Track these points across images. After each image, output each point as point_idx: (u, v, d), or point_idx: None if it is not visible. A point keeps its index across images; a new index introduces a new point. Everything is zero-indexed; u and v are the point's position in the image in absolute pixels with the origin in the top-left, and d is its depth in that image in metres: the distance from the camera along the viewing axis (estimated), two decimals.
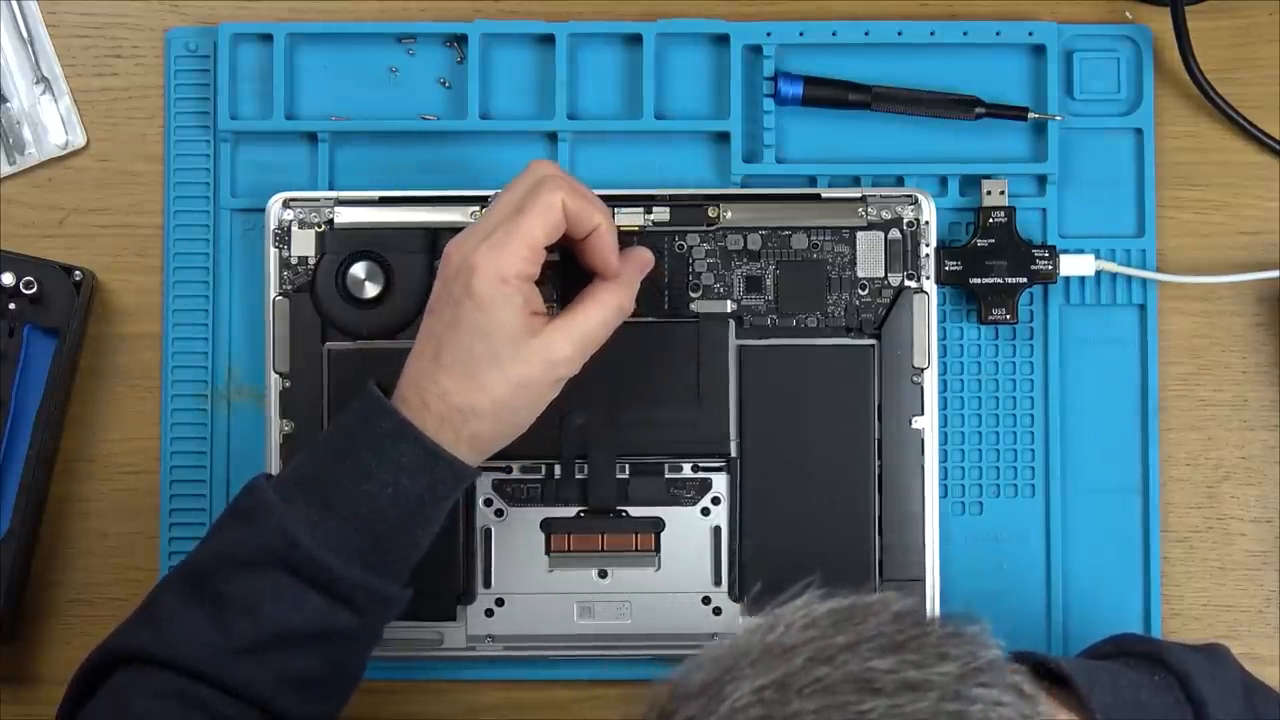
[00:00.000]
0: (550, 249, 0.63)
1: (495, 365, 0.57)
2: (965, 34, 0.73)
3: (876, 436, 0.69)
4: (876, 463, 0.69)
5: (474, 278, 0.57)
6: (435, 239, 0.68)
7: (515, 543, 0.70)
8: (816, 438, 0.69)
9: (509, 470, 0.69)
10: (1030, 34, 0.73)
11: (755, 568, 0.70)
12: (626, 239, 0.67)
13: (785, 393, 0.69)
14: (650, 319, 0.68)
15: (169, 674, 0.57)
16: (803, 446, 0.69)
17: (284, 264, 0.70)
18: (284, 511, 0.57)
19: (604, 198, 0.65)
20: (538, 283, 0.62)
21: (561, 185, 0.60)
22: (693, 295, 0.69)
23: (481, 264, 0.57)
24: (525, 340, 0.57)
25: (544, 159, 0.63)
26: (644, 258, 0.63)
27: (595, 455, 0.68)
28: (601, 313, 0.60)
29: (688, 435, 0.68)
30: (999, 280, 0.70)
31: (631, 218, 0.70)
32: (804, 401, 0.69)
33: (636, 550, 0.69)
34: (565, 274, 0.68)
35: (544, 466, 0.69)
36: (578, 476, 0.69)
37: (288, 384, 0.70)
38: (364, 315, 0.69)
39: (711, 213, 0.70)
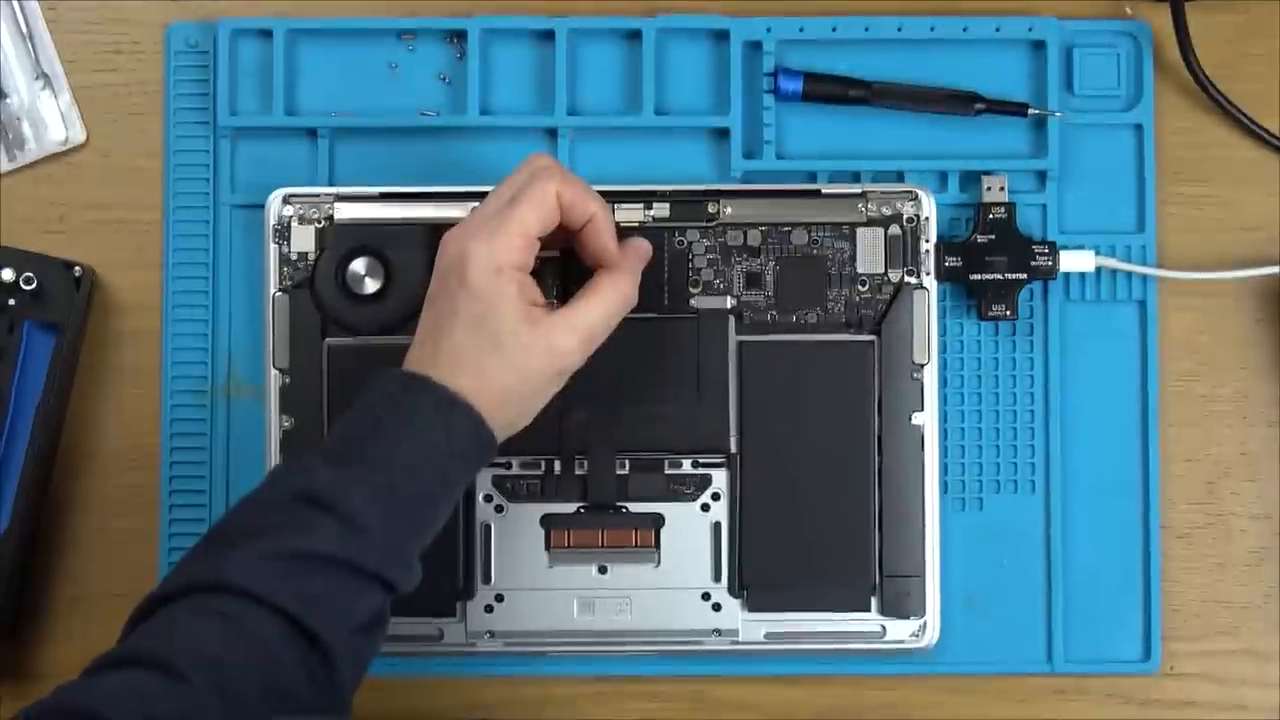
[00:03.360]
0: (550, 246, 0.69)
1: (497, 354, 0.64)
2: (965, 29, 0.80)
3: (876, 433, 0.76)
4: (876, 459, 0.76)
5: (468, 268, 0.64)
6: (435, 235, 0.72)
7: (515, 538, 0.77)
8: (816, 434, 0.76)
9: (509, 466, 0.76)
10: (1030, 29, 0.80)
11: (755, 564, 0.77)
12: (627, 235, 0.72)
13: (785, 389, 0.76)
14: (650, 315, 0.75)
15: (211, 595, 0.62)
16: (803, 443, 0.76)
17: (284, 260, 0.77)
18: (309, 464, 0.63)
19: (603, 193, 0.70)
20: (539, 281, 0.68)
21: (555, 175, 0.66)
22: (692, 291, 0.76)
23: (475, 254, 0.64)
24: (526, 330, 0.64)
25: (541, 152, 0.69)
26: (643, 247, 0.70)
27: (595, 451, 0.75)
28: (604, 303, 0.67)
29: (688, 431, 0.75)
30: (999, 276, 0.77)
31: (631, 213, 0.77)
32: (804, 398, 0.76)
33: (636, 546, 0.76)
34: (566, 273, 0.74)
35: (544, 462, 0.76)
36: (577, 472, 0.76)
37: (287, 380, 0.77)
38: (364, 311, 0.76)
39: (711, 208, 0.76)
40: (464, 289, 0.65)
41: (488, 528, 0.77)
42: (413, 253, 0.76)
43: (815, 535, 0.77)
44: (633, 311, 0.70)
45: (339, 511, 0.61)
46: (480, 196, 0.73)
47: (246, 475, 0.78)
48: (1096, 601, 0.79)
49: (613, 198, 0.74)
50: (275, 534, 0.61)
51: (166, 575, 0.64)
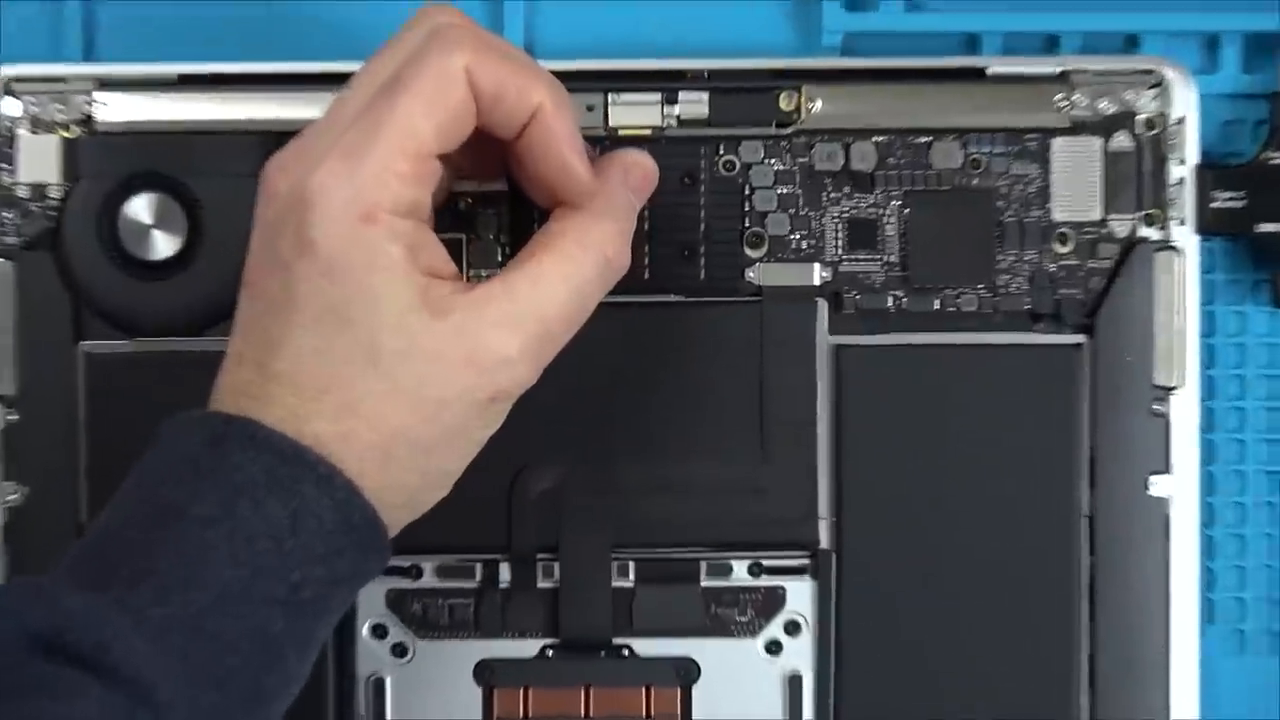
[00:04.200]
0: (478, 174, 0.44)
1: (373, 370, 0.39)
2: None
3: (1086, 509, 0.45)
4: (1085, 554, 0.45)
5: (311, 218, 0.38)
6: (274, 151, 0.42)
7: (430, 701, 0.46)
8: (975, 511, 0.45)
9: (416, 575, 0.46)
10: None
11: None
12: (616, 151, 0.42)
13: (919, 431, 0.45)
14: (671, 297, 0.46)
15: None
16: (950, 527, 0.45)
17: (7, 198, 0.46)
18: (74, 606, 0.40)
19: (585, 75, 0.45)
20: (456, 240, 0.44)
21: (466, 41, 0.40)
22: (750, 254, 0.45)
23: (323, 192, 0.39)
24: (424, 325, 0.39)
25: (443, 3, 0.41)
26: (641, 168, 0.42)
27: (574, 546, 0.45)
28: (565, 272, 0.40)
29: (742, 509, 0.45)
30: None
31: (638, 113, 0.45)
32: (953, 446, 0.45)
33: (649, 718, 0.45)
34: (515, 227, 0.46)
35: (479, 567, 0.45)
36: (542, 584, 0.45)
37: (14, 418, 0.45)
38: (151, 292, 0.45)
39: (786, 103, 0.45)
40: (307, 256, 0.37)
41: (380, 684, 0.45)
42: (235, 185, 0.44)
43: (974, 691, 0.45)
44: (636, 291, 0.45)
45: (107, 669, 0.36)
46: (346, 80, 0.41)
47: None
48: None
49: (605, 83, 0.45)
50: None
51: None
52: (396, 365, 0.38)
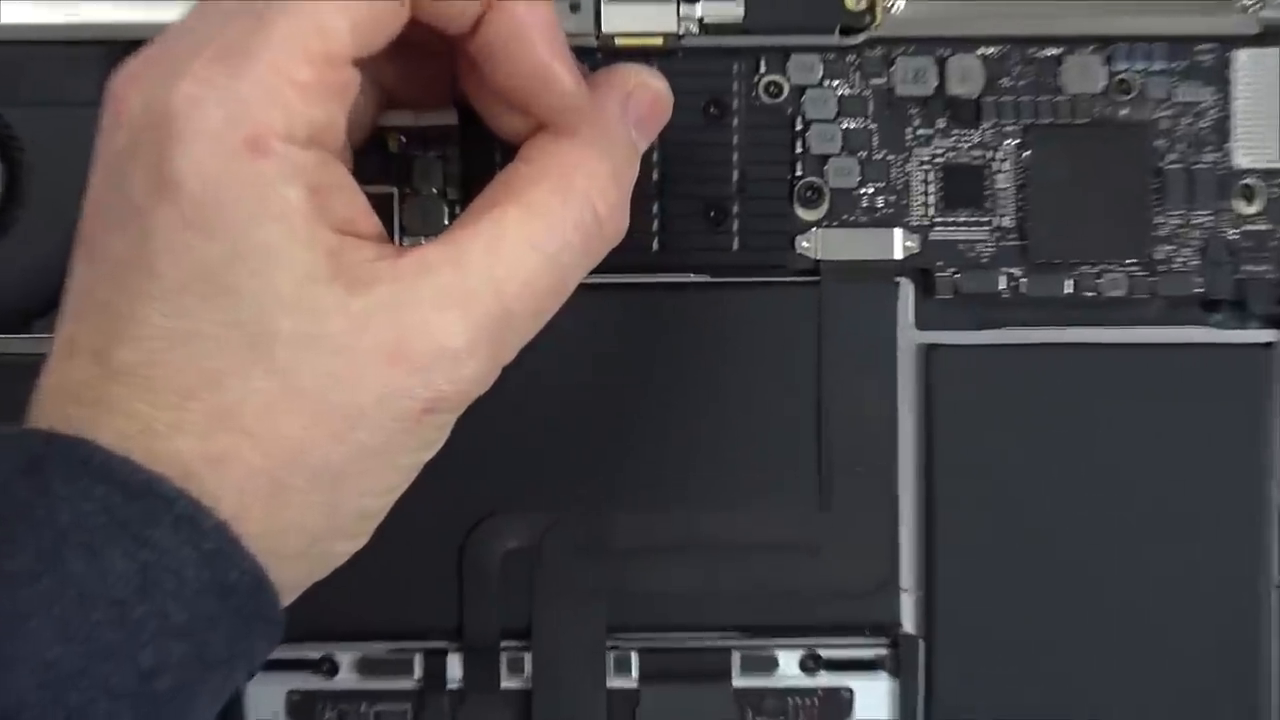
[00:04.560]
0: (422, 100, 0.33)
1: (257, 362, 0.29)
2: None
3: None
4: None
5: (174, 147, 0.29)
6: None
7: None
8: (1130, 580, 0.33)
9: (329, 670, 0.34)
10: None
11: None
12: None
13: (1044, 467, 0.33)
14: (690, 277, 0.35)
15: None
16: (1093, 603, 0.34)
17: None
18: None
19: None
20: (391, 191, 0.33)
21: None
22: (804, 215, 0.34)
23: (191, 109, 0.29)
24: (334, 299, 0.29)
25: None
26: (647, 92, 0.32)
27: (553, 629, 0.34)
28: (538, 228, 0.30)
29: (792, 578, 0.34)
30: None
31: (644, 14, 0.33)
32: (1095, 489, 0.33)
33: None
34: (469, 167, 0.35)
35: (418, 659, 0.34)
36: (507, 683, 0.34)
37: None
38: None
39: (853, 0, 0.33)
40: (168, 199, 0.28)
41: None
42: (73, 121, 0.33)
43: None
44: (641, 267, 0.34)
45: None
46: None
47: None
48: None
49: None
50: None
51: None
52: (293, 357, 0.28)
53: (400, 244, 0.34)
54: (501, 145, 0.31)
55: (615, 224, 0.30)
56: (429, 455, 0.30)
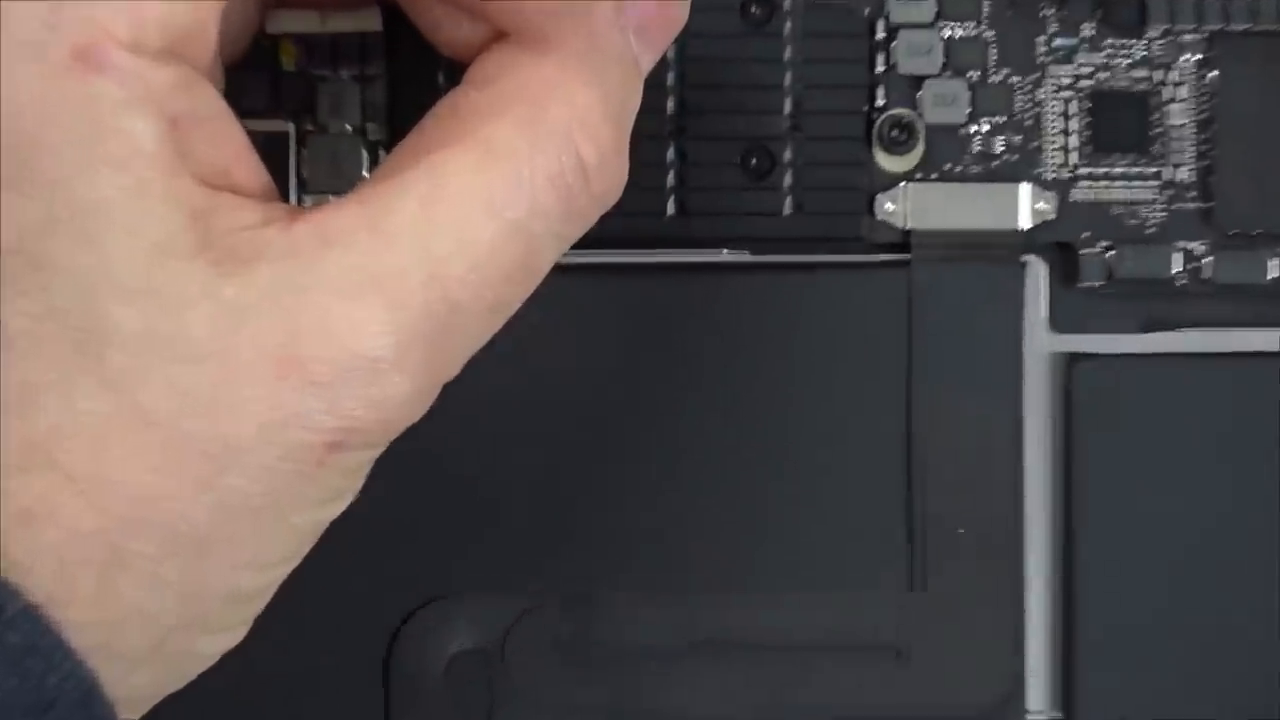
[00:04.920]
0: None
1: (86, 369, 0.21)
2: None
3: None
4: None
5: None
6: None
7: None
8: None
9: None
10: None
11: None
12: None
13: (1239, 528, 0.24)
14: (723, 254, 0.26)
15: None
16: None
17: None
18: None
19: None
20: (286, 127, 0.25)
21: None
22: (887, 164, 0.25)
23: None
24: (199, 281, 0.21)
25: None
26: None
27: None
28: (493, 178, 0.22)
29: (872, 686, 0.25)
30: None
31: None
32: None
33: None
34: (398, 93, 0.26)
35: None
36: None
37: None
38: None
39: None
40: None
41: None
42: None
43: None
44: (653, 240, 0.25)
45: None
46: None
47: None
48: None
49: None
50: None
51: None
52: (135, 365, 0.21)
53: (299, 204, 0.25)
54: (446, 62, 0.24)
55: (608, 176, 0.22)
56: (336, 511, 0.22)
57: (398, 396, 0.21)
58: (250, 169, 0.22)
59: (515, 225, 0.21)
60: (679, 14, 0.24)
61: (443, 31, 0.23)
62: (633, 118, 0.22)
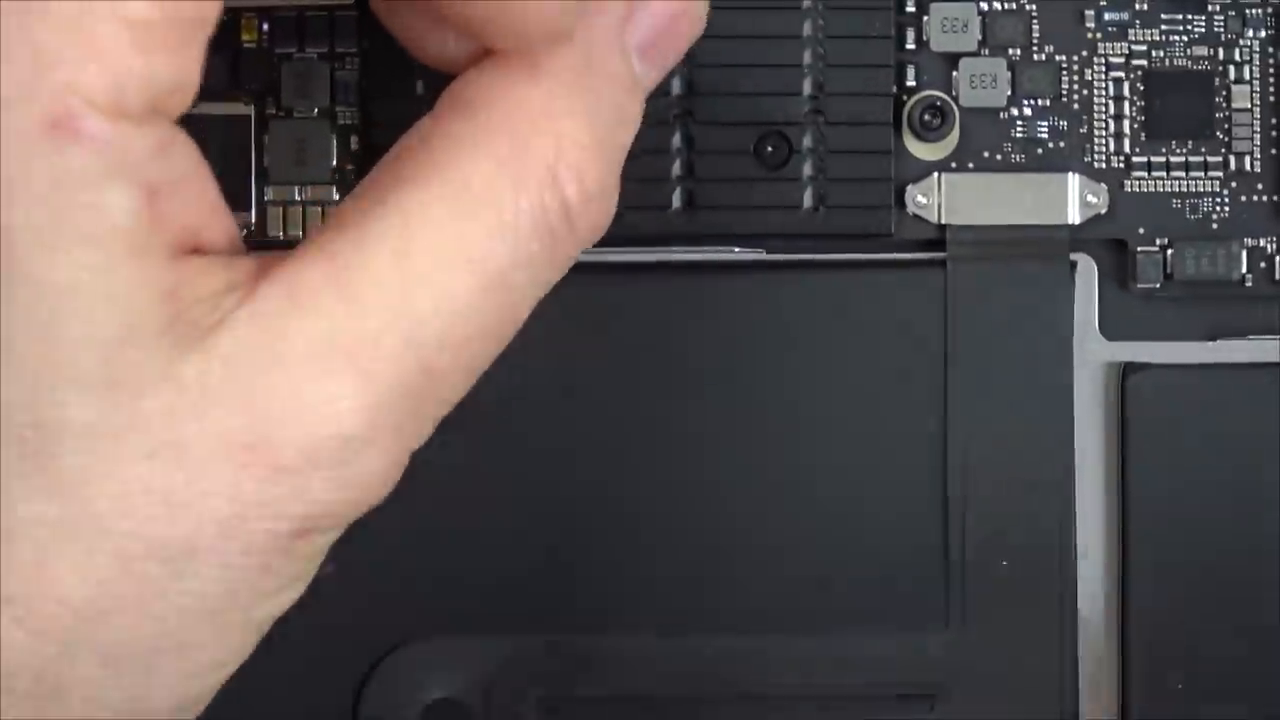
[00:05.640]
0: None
1: (25, 480, 0.20)
2: None
3: None
4: None
5: None
6: None
7: None
8: None
9: None
10: None
11: None
12: None
13: None
14: (734, 252, 0.24)
15: None
16: None
17: None
18: None
19: None
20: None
21: None
22: (917, 151, 0.24)
23: None
24: (160, 363, 0.19)
25: None
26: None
27: None
28: (469, 229, 0.20)
29: None
30: None
31: None
32: None
33: None
34: (372, 66, 0.24)
35: None
36: None
37: None
38: None
39: None
40: None
41: None
42: None
43: None
44: (660, 237, 0.24)
45: None
46: None
47: None
48: None
49: None
50: None
51: None
52: (88, 467, 0.19)
53: (260, 197, 0.23)
54: (425, 75, 0.22)
55: (593, 215, 0.20)
56: (295, 596, 0.20)
57: (370, 474, 0.20)
58: (219, 225, 0.20)
59: (496, 277, 0.20)
60: (694, 25, 0.22)
61: (427, 47, 0.21)
62: (626, 147, 0.21)
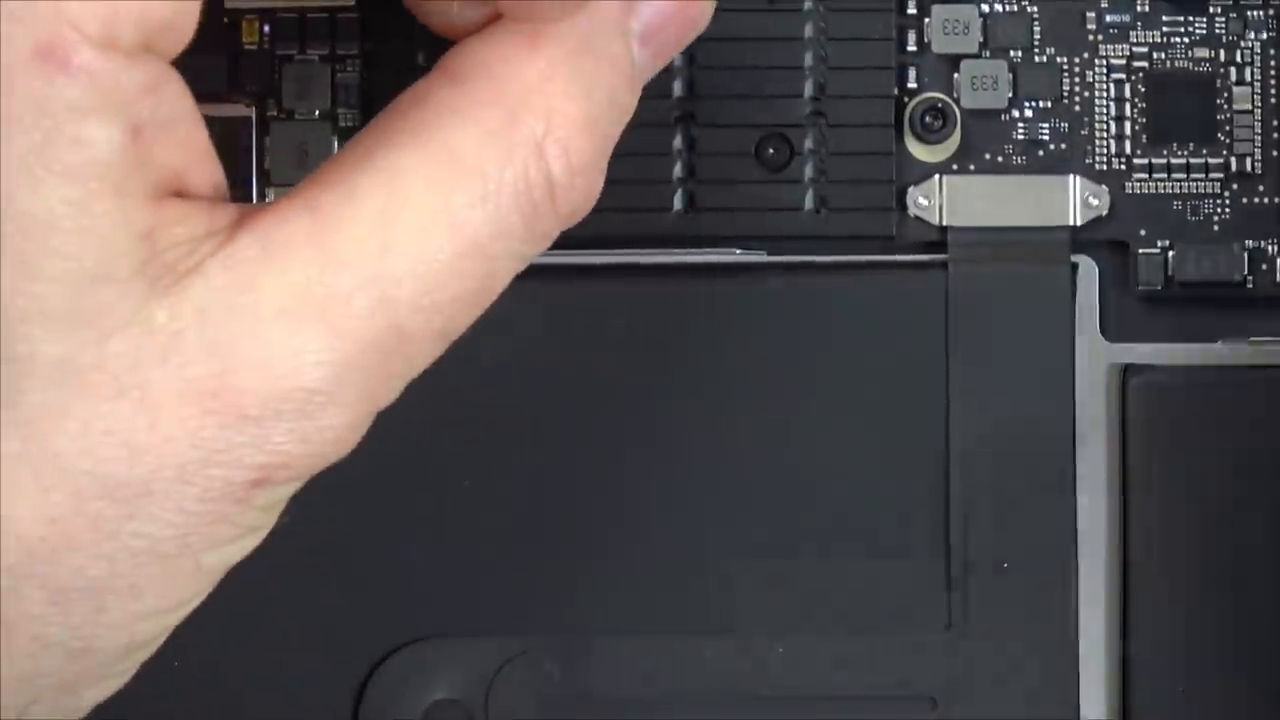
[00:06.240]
0: None
1: None
2: None
3: None
4: None
5: None
6: None
7: None
8: None
9: None
10: None
11: None
12: None
13: None
14: (734, 254, 0.25)
15: None
16: None
17: None
18: None
19: None
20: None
21: None
22: (918, 153, 0.25)
23: None
24: (133, 307, 0.20)
25: None
26: None
27: None
28: (453, 195, 0.20)
29: None
30: None
31: None
32: None
33: None
34: (373, 67, 0.25)
35: None
36: None
37: None
38: None
39: None
40: None
41: None
42: None
43: None
44: (656, 239, 0.24)
45: None
46: None
47: None
48: None
49: None
50: None
51: None
52: (53, 404, 0.19)
53: (260, 199, 0.24)
54: (427, 41, 0.22)
55: (578, 193, 0.21)
56: (248, 548, 0.21)
57: (331, 430, 0.20)
58: (205, 169, 0.20)
59: (475, 245, 0.20)
60: (698, 19, 0.23)
61: (431, 12, 0.22)
62: (616, 133, 0.21)
